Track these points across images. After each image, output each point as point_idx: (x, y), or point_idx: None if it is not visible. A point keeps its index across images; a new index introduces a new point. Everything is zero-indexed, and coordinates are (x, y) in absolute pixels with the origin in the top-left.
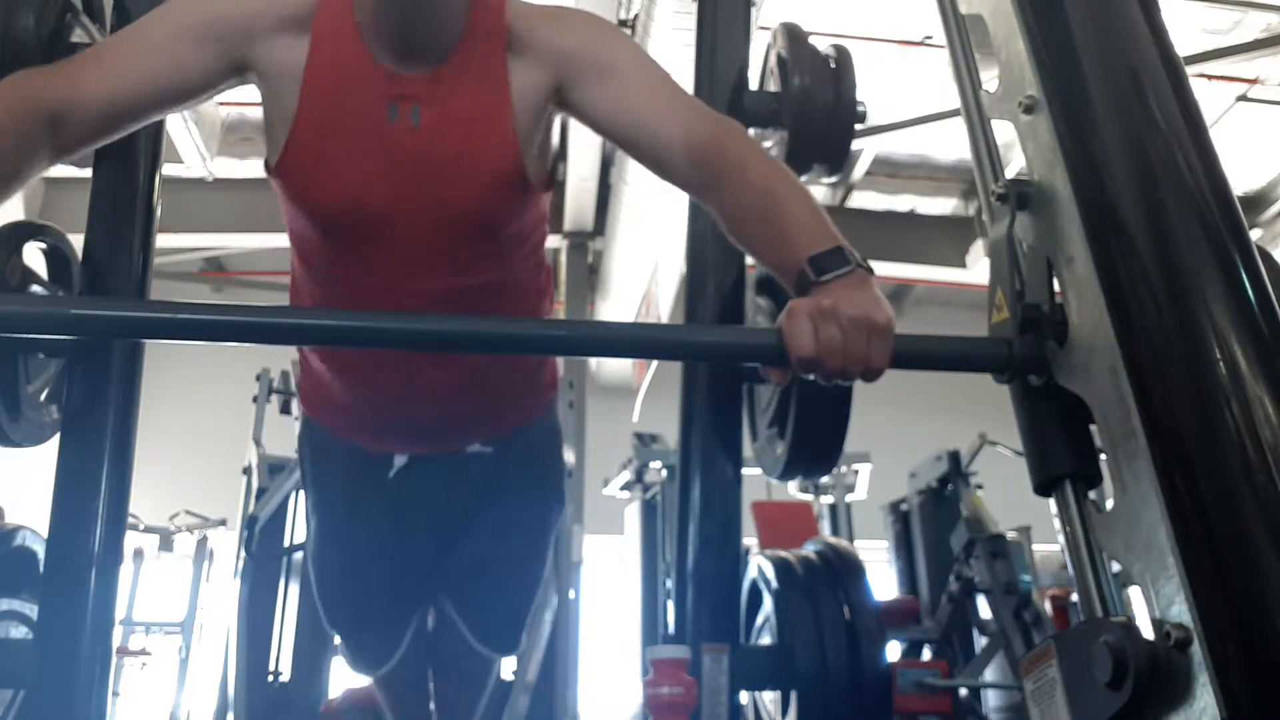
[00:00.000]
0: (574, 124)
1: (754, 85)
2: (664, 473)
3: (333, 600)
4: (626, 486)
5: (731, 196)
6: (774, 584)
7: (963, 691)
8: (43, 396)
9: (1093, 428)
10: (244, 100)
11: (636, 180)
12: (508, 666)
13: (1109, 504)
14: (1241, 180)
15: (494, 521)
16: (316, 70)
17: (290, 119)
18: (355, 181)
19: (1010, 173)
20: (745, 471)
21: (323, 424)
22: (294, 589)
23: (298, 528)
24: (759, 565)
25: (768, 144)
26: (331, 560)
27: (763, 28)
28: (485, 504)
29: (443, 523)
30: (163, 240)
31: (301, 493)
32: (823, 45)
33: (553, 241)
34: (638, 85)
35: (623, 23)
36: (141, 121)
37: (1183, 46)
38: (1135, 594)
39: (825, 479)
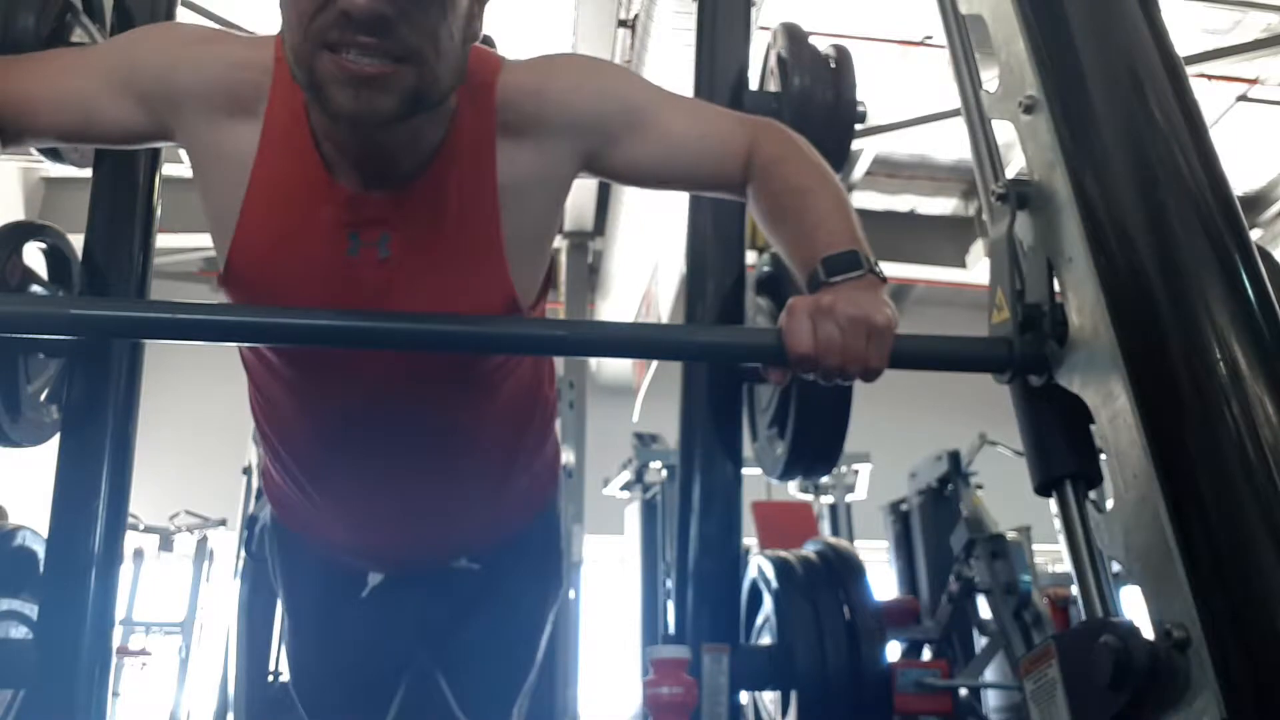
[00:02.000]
0: None
1: (754, 85)
2: (664, 473)
3: (310, 698)
4: (626, 486)
5: (764, 197)
6: (774, 584)
7: (963, 691)
8: (43, 396)
9: (1093, 428)
10: None
11: None
12: None
13: (1109, 504)
14: (1241, 180)
15: (485, 630)
16: (263, 178)
17: (231, 228)
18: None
19: (1010, 173)
20: (745, 471)
21: (289, 525)
22: None
23: None
24: (759, 565)
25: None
26: (305, 662)
27: (763, 28)
28: (473, 617)
29: (426, 635)
30: (163, 240)
31: None
32: (823, 45)
33: (553, 244)
34: (666, 126)
35: (622, 23)
36: (63, 141)
37: (1183, 46)
38: (1135, 594)
39: (825, 479)
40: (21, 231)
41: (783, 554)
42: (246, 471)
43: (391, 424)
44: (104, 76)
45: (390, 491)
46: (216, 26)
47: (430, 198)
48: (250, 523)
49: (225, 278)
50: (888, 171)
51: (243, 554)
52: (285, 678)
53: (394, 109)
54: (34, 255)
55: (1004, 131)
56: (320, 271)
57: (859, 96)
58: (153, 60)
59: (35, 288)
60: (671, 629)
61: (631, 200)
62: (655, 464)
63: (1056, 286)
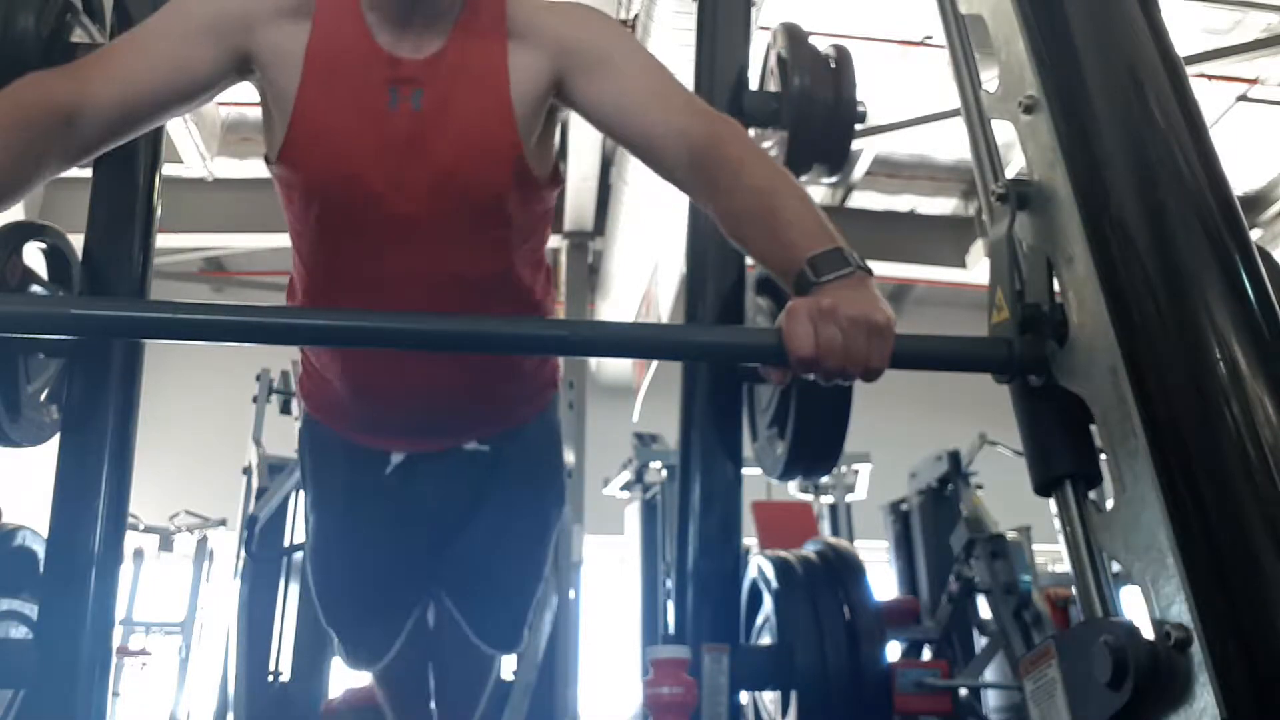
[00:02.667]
0: (574, 124)
1: (754, 85)
2: (664, 473)
3: (329, 595)
4: (626, 486)
5: (729, 197)
6: (774, 584)
7: (963, 691)
8: (43, 396)
9: (1093, 428)
10: (244, 100)
11: (636, 180)
12: (507, 666)
13: (1109, 504)
14: (1241, 180)
15: (493, 519)
16: (317, 55)
17: (290, 105)
18: (355, 165)
19: (1010, 173)
20: (745, 471)
21: (321, 421)
22: (294, 589)
23: (298, 528)
24: (759, 565)
25: (768, 144)
26: (329, 556)
27: (763, 28)
28: (483, 501)
29: (441, 520)
30: (163, 240)
31: (301, 492)
32: (823, 45)
33: (553, 241)
34: (636, 81)
35: (623, 23)
36: (153, 123)
37: (1183, 46)
38: (1135, 594)
39: (825, 479)
40: (21, 231)
41: (783, 554)
42: (246, 471)
43: (420, 279)
44: (188, 37)
45: (413, 366)
46: None
47: (453, 62)
48: (250, 523)
49: (285, 147)
50: (888, 171)
51: (243, 554)
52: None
53: None
54: (34, 255)
55: (1004, 131)
56: (365, 122)
57: (859, 96)
58: (228, 2)
59: (35, 288)
60: (671, 629)
61: (631, 200)
62: (655, 464)
63: (1056, 286)
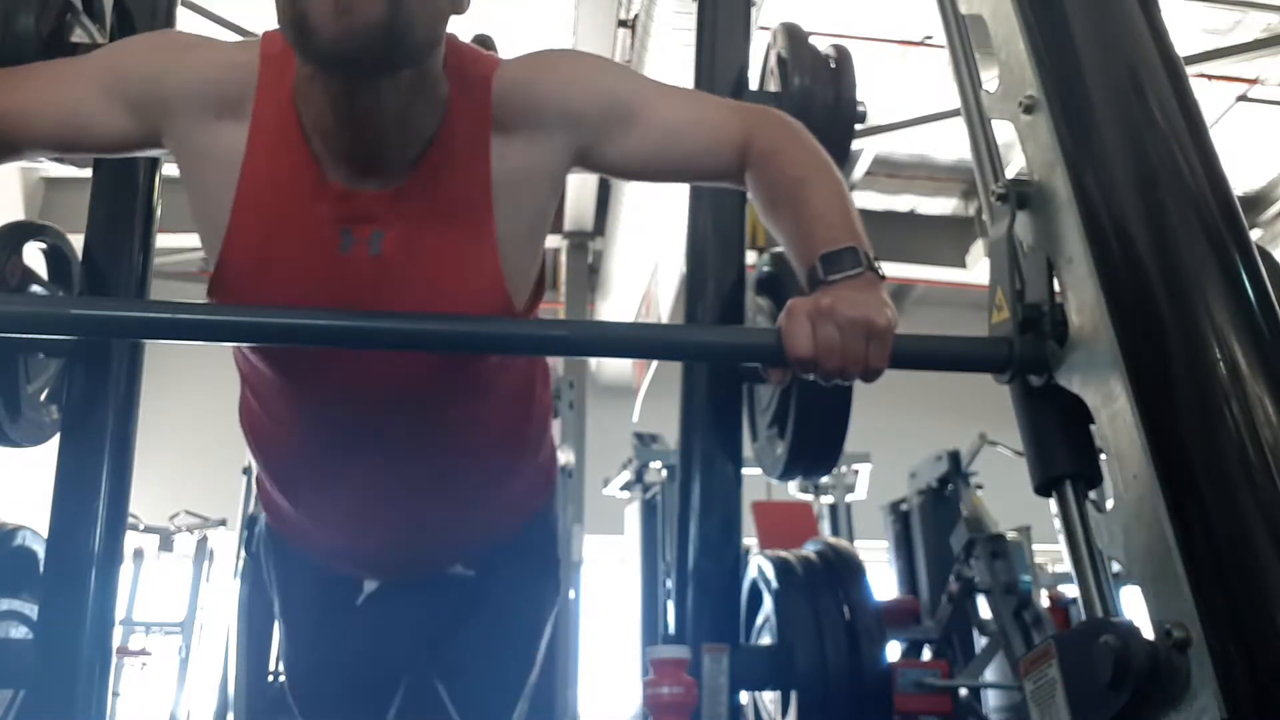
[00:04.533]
0: None
1: (754, 85)
2: (664, 473)
3: (305, 702)
4: (626, 486)
5: (763, 186)
6: (774, 584)
7: (963, 691)
8: (43, 396)
9: (1093, 428)
10: None
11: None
12: None
13: (1109, 504)
14: (1241, 180)
15: (481, 638)
16: (253, 177)
17: (221, 233)
18: None
19: (1010, 173)
20: (745, 471)
21: (285, 536)
22: None
23: None
24: (759, 565)
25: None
26: (300, 667)
27: (763, 28)
28: (469, 624)
29: (421, 643)
30: (163, 240)
31: None
32: (823, 45)
33: (553, 241)
34: (661, 118)
35: (622, 23)
36: (57, 152)
37: (1183, 46)
38: (1135, 594)
39: (825, 479)
40: (21, 231)
41: (783, 554)
42: (246, 471)
43: (385, 427)
44: (94, 86)
45: (383, 496)
46: (205, 35)
47: (423, 193)
48: (250, 523)
49: (216, 281)
50: (888, 171)
51: (243, 554)
52: (285, 681)
53: (379, 18)
54: (34, 255)
55: (1004, 131)
56: (312, 269)
57: (859, 96)
58: (141, 67)
59: (35, 288)
60: (671, 629)
61: (631, 200)
62: (655, 464)
63: (1056, 286)
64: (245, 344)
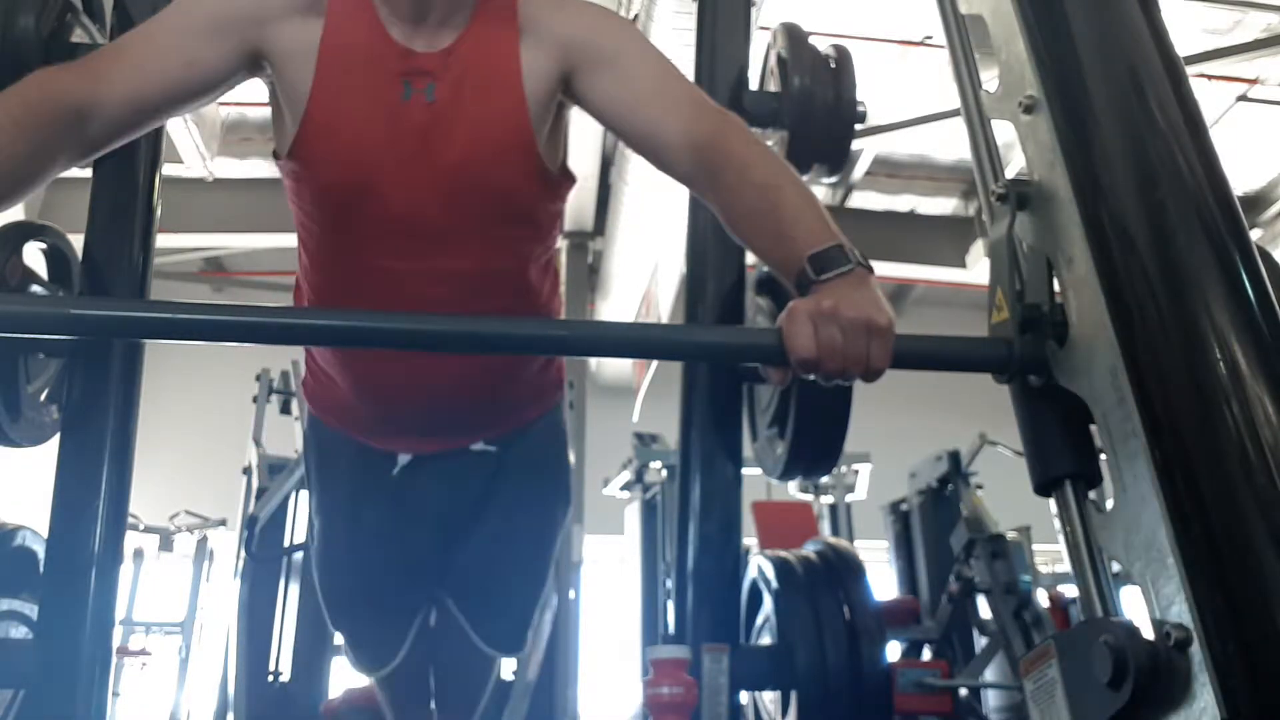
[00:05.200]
0: (574, 125)
1: (754, 85)
2: (664, 473)
3: (336, 599)
4: (626, 486)
5: (732, 193)
6: (774, 584)
7: (963, 691)
8: (43, 396)
9: (1093, 428)
10: (244, 100)
11: (636, 180)
12: (507, 666)
13: (1109, 504)
14: (1241, 180)
15: (499, 521)
16: (330, 50)
17: (304, 100)
18: (368, 156)
19: (1010, 173)
20: (745, 471)
21: (326, 422)
22: (294, 589)
23: (298, 528)
24: (759, 565)
25: (768, 144)
26: (335, 559)
27: (763, 28)
28: (490, 503)
29: (447, 521)
30: (163, 240)
31: (303, 493)
32: (823, 45)
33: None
34: (642, 78)
35: None
36: (164, 118)
37: (1183, 46)
38: (1135, 594)
39: (825, 479)
40: (21, 231)
41: (783, 554)
42: (246, 471)
43: (428, 275)
44: (195, 31)
45: (423, 365)
46: None
47: (467, 54)
48: (250, 523)
49: (298, 141)
50: (888, 171)
51: (243, 554)
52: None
53: None
54: (34, 255)
55: (1004, 131)
56: (380, 115)
57: (859, 96)
58: (234, 2)
59: (35, 288)
60: (671, 629)
61: (631, 200)
62: (655, 464)
63: (1056, 286)
64: (304, 217)
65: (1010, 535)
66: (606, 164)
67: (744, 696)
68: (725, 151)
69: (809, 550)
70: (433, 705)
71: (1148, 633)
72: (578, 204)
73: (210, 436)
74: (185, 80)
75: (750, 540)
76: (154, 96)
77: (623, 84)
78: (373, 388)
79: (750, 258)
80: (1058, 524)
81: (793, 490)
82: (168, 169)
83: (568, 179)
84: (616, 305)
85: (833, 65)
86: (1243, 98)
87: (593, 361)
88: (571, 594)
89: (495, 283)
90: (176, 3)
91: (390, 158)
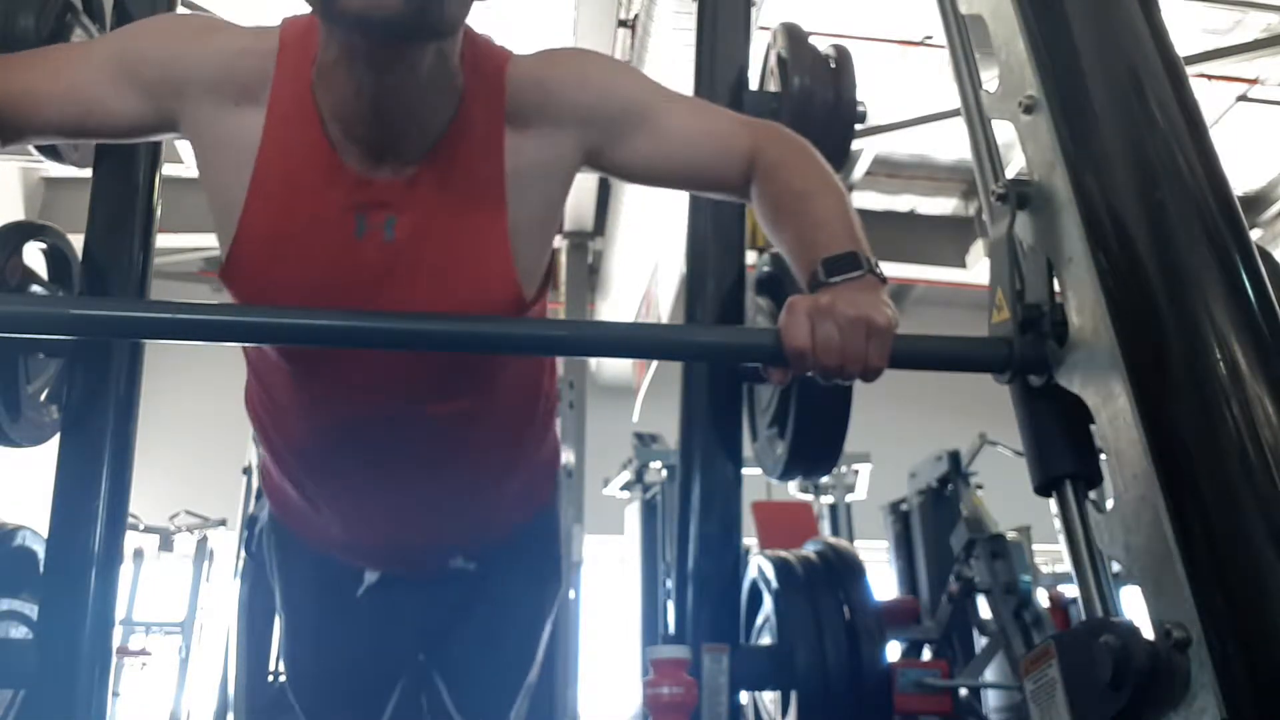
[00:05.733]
0: None
1: (754, 85)
2: (664, 473)
3: (305, 698)
4: (626, 486)
5: (765, 199)
6: (774, 584)
7: (963, 691)
8: (43, 396)
9: (1093, 428)
10: None
11: None
12: None
13: (1109, 504)
14: (1241, 180)
15: (480, 633)
16: (268, 163)
17: (235, 219)
18: (310, 301)
19: (1010, 173)
20: (745, 471)
21: (286, 525)
22: None
23: None
24: (759, 565)
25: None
26: (301, 662)
27: (763, 28)
28: (469, 618)
29: (423, 636)
30: (163, 240)
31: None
32: (823, 45)
33: (554, 242)
34: (668, 124)
35: (622, 23)
36: (66, 136)
37: (1183, 46)
38: (1135, 594)
39: (825, 479)
40: (21, 231)
41: (783, 554)
42: (246, 471)
43: (392, 416)
44: (106, 69)
45: (388, 486)
46: (219, 18)
47: (437, 181)
48: (250, 523)
49: (228, 265)
50: (888, 171)
51: (243, 554)
52: (285, 678)
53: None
54: (34, 255)
55: (1004, 131)
56: (326, 254)
57: (859, 96)
58: (156, 51)
59: (35, 288)
60: (671, 629)
61: (631, 200)
62: (655, 464)
63: (1056, 286)
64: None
65: (1010, 535)
66: None
67: (744, 696)
68: (761, 163)
69: (809, 550)
70: None
71: (1148, 633)
72: (578, 204)
73: (210, 436)
74: (78, 117)
75: (750, 540)
76: (42, 121)
77: (653, 140)
78: (334, 502)
79: (750, 257)
80: (1058, 524)
81: (793, 490)
82: (168, 169)
83: (546, 289)
84: (616, 305)
85: (833, 65)
86: (1243, 98)
87: (593, 361)
88: (571, 594)
89: (466, 417)
90: (117, 31)
91: (339, 303)
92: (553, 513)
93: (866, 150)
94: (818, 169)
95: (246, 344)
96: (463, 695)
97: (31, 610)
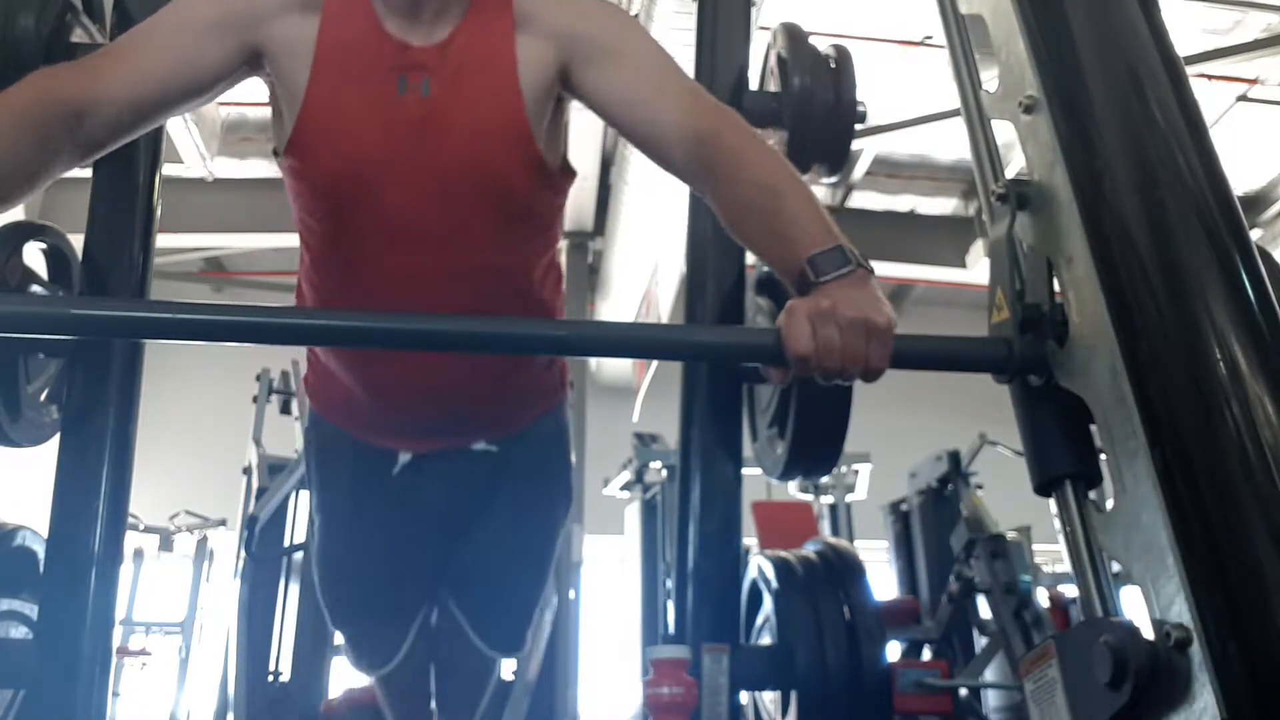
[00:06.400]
0: (574, 124)
1: (754, 85)
2: (664, 473)
3: (336, 598)
4: (626, 486)
5: (730, 190)
6: (774, 584)
7: (963, 691)
8: (43, 396)
9: (1093, 428)
10: (244, 100)
11: (636, 180)
12: (507, 666)
13: (1109, 504)
14: (1241, 180)
15: (499, 520)
16: (326, 45)
17: (300, 97)
18: (364, 151)
19: (1010, 173)
20: (745, 471)
21: (328, 419)
22: (294, 589)
23: (298, 528)
24: (759, 565)
25: (769, 142)
26: (335, 557)
27: (763, 28)
28: (491, 503)
29: (448, 520)
30: (163, 240)
31: (304, 492)
32: (823, 45)
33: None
34: (640, 72)
35: None
36: (164, 117)
37: (1183, 46)
38: (1135, 594)
39: (825, 479)
40: (21, 231)
41: (783, 554)
42: (246, 471)
43: (429, 271)
44: (198, 33)
45: (425, 364)
46: None
47: (461, 49)
48: (250, 523)
49: (293, 140)
50: (888, 171)
51: (243, 554)
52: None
53: None
54: (34, 255)
55: (1004, 131)
56: (376, 110)
57: (859, 96)
58: (224, 3)
59: (35, 288)
60: (671, 629)
61: (631, 200)
62: (655, 464)
63: (1056, 286)
64: (304, 216)
65: (1010, 535)
66: (606, 164)
67: (744, 696)
68: (722, 146)
69: (809, 550)
70: (433, 705)
71: (1148, 633)
72: (578, 204)
73: (210, 436)
74: (183, 80)
75: (750, 540)
76: (152, 96)
77: (621, 77)
78: (374, 386)
79: (750, 258)
80: (1058, 524)
81: (793, 490)
82: (168, 169)
83: (568, 174)
84: (616, 305)
85: (833, 65)
86: (1243, 98)
87: (593, 361)
88: (571, 594)
89: (497, 279)
90: (175, 2)
91: (386, 153)
92: (562, 417)
93: (866, 150)
94: (778, 159)
95: (243, 343)
96: (479, 605)
97: (31, 610)
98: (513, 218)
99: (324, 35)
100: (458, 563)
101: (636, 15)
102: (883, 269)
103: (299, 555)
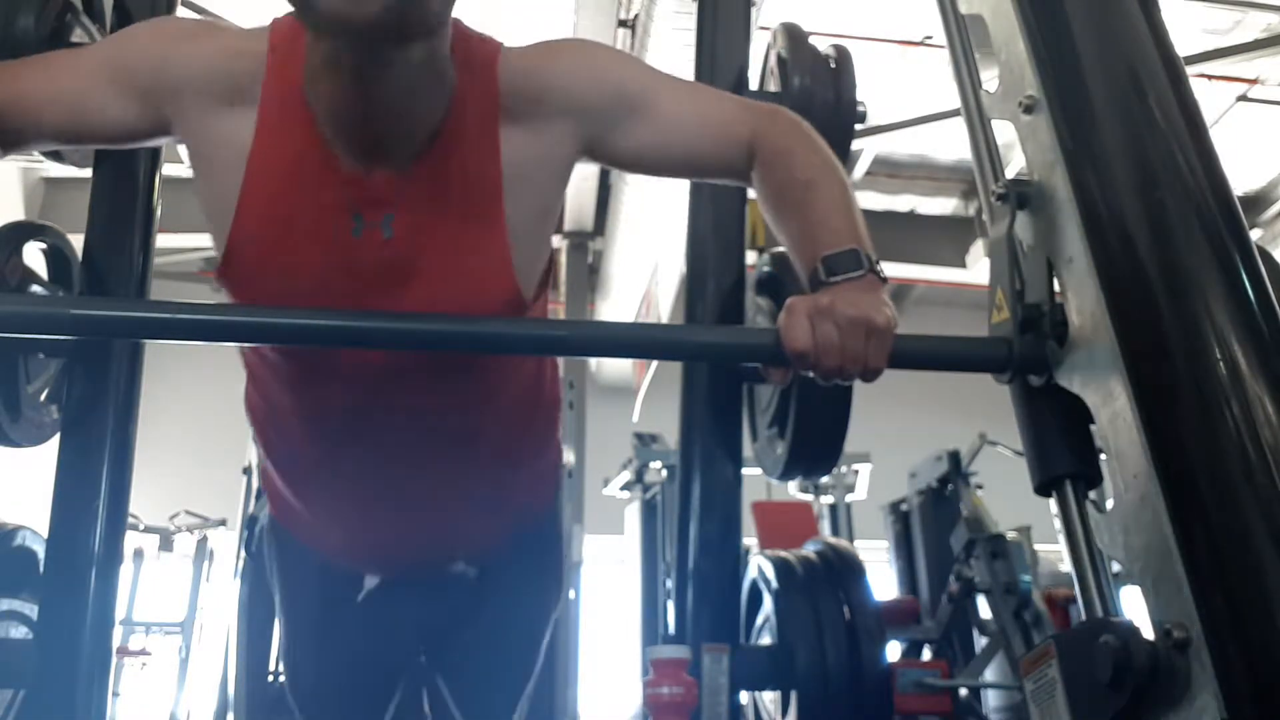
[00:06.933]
0: None
1: (754, 85)
2: (664, 473)
3: (304, 702)
4: (626, 486)
5: (769, 187)
6: (774, 584)
7: (963, 691)
8: (43, 396)
9: (1093, 428)
10: None
11: (636, 180)
12: None
13: (1109, 504)
14: (1241, 180)
15: (481, 637)
16: (261, 163)
17: (229, 219)
18: (310, 299)
19: (1010, 173)
20: (745, 471)
21: (287, 529)
22: None
23: None
24: (759, 565)
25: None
26: (301, 665)
27: (763, 28)
28: (470, 623)
29: (422, 641)
30: (163, 240)
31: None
32: (823, 45)
33: (553, 241)
34: (669, 111)
35: (622, 23)
36: (62, 143)
37: (1183, 46)
38: (1135, 594)
39: (825, 479)
40: (21, 231)
41: (783, 554)
42: (246, 471)
43: (391, 420)
44: (100, 75)
45: (388, 491)
46: (210, 21)
47: (434, 178)
48: (250, 523)
49: (224, 267)
50: (888, 171)
51: (243, 554)
52: (285, 680)
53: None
54: (34, 255)
55: (1004, 131)
56: (323, 253)
57: (859, 96)
58: (148, 55)
59: (35, 288)
60: (671, 629)
61: (631, 200)
62: (655, 464)
63: (1056, 286)
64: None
65: (1010, 535)
66: None
67: (744, 696)
68: (765, 147)
69: (809, 550)
70: None
71: (1148, 633)
72: (578, 204)
73: (210, 436)
74: (74, 123)
75: (750, 540)
76: (38, 128)
77: (654, 128)
78: (335, 509)
79: (750, 257)
80: (1058, 524)
81: (793, 490)
82: (168, 169)
83: (545, 288)
84: (616, 305)
85: (833, 65)
86: (1243, 98)
87: (593, 361)
88: (571, 594)
89: (470, 409)
90: (112, 36)
91: (336, 301)
92: (554, 517)
93: (866, 150)
94: (821, 156)
95: (245, 344)
96: (464, 699)
97: (31, 610)
98: (491, 361)
99: (258, 147)
100: (438, 662)
101: (636, 15)
102: (883, 267)
103: None
